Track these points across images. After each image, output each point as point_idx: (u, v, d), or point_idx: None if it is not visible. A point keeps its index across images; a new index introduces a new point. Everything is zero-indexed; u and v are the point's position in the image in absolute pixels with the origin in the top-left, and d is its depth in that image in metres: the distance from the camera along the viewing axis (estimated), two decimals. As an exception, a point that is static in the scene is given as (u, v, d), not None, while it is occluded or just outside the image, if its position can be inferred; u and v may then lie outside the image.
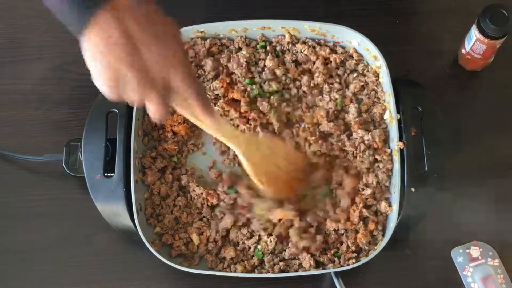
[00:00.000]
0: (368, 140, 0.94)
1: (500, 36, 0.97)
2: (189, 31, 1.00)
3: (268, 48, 1.01)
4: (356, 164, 0.93)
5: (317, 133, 0.96)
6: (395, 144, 0.92)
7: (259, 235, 0.92)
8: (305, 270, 0.89)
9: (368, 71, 0.99)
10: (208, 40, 1.01)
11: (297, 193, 0.91)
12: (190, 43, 1.01)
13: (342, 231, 0.92)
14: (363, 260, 0.88)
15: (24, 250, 0.96)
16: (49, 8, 0.69)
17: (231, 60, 0.99)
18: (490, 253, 0.95)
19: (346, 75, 0.99)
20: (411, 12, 1.13)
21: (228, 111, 0.97)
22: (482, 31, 0.97)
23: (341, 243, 0.92)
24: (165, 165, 0.96)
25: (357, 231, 0.91)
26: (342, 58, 1.00)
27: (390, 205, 0.91)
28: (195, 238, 0.92)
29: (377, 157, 0.93)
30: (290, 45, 1.01)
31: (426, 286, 0.96)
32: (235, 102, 0.98)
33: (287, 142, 0.95)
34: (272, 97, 0.98)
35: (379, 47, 0.96)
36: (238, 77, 0.99)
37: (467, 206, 0.98)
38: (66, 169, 0.95)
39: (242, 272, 0.90)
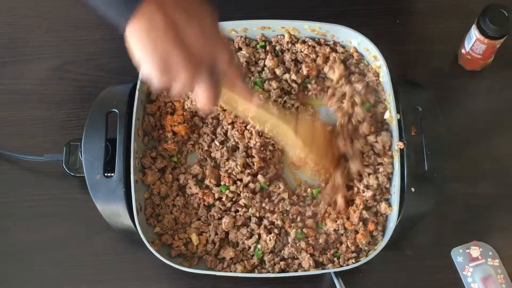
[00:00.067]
0: (376, 143, 0.94)
1: (500, 36, 0.97)
2: (189, 31, 1.00)
3: (267, 48, 1.01)
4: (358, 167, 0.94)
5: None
6: (395, 144, 0.92)
7: (259, 234, 0.92)
8: (305, 270, 0.89)
9: (368, 71, 0.99)
10: (208, 40, 1.01)
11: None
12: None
13: (342, 231, 0.92)
14: (363, 260, 0.88)
15: (24, 250, 0.96)
16: (93, 6, 0.70)
17: (231, 60, 1.00)
18: (490, 253, 0.95)
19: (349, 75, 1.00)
20: (411, 12, 1.14)
21: (225, 110, 0.97)
22: (482, 31, 0.97)
23: (341, 243, 0.92)
24: (165, 165, 0.96)
25: (356, 232, 0.91)
26: (342, 58, 1.00)
27: (390, 206, 0.91)
28: (194, 238, 0.92)
29: (379, 159, 0.94)
30: (290, 45, 1.01)
31: (426, 286, 0.96)
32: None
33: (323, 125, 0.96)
34: (272, 91, 0.98)
35: (379, 47, 0.96)
36: (238, 77, 0.99)
37: (467, 206, 0.98)
38: (66, 169, 0.95)
39: (242, 272, 0.90)
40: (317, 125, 0.94)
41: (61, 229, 0.97)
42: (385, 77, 0.96)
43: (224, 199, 0.93)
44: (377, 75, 0.98)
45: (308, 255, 0.90)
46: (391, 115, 0.94)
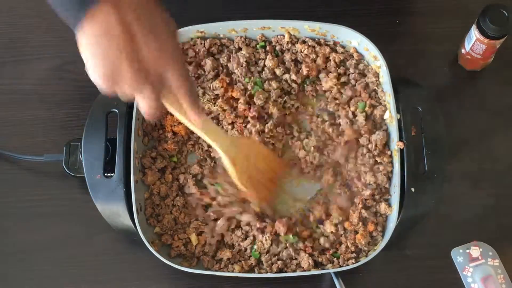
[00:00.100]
0: (371, 142, 0.94)
1: (500, 36, 0.97)
2: (189, 31, 1.00)
3: (267, 48, 1.01)
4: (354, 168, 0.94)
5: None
6: (395, 144, 0.92)
7: (254, 236, 0.92)
8: (304, 270, 0.89)
9: (368, 71, 0.99)
10: (208, 40, 1.01)
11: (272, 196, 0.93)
12: (190, 43, 1.01)
13: (342, 232, 0.92)
14: (363, 260, 0.88)
15: (24, 250, 0.96)
16: (50, 5, 0.69)
17: (231, 60, 1.00)
18: (490, 253, 0.95)
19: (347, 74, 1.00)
20: (411, 12, 1.13)
21: (225, 110, 0.97)
22: (482, 31, 0.97)
23: (340, 243, 0.92)
24: (165, 165, 0.96)
25: (356, 232, 0.91)
26: (342, 58, 1.00)
27: (390, 206, 0.91)
28: (193, 238, 0.92)
29: (377, 159, 0.93)
30: (290, 45, 1.01)
31: (426, 286, 0.96)
32: (234, 101, 0.98)
33: (261, 143, 0.94)
34: (272, 90, 0.98)
35: (379, 47, 0.96)
36: (238, 77, 0.99)
37: (467, 206, 0.98)
38: (66, 169, 0.95)
39: (239, 272, 0.90)
40: (257, 149, 0.92)
41: (61, 229, 0.97)
42: (385, 77, 0.96)
43: (220, 198, 0.93)
44: (377, 75, 0.98)
45: (307, 255, 0.90)
46: (391, 115, 0.94)
